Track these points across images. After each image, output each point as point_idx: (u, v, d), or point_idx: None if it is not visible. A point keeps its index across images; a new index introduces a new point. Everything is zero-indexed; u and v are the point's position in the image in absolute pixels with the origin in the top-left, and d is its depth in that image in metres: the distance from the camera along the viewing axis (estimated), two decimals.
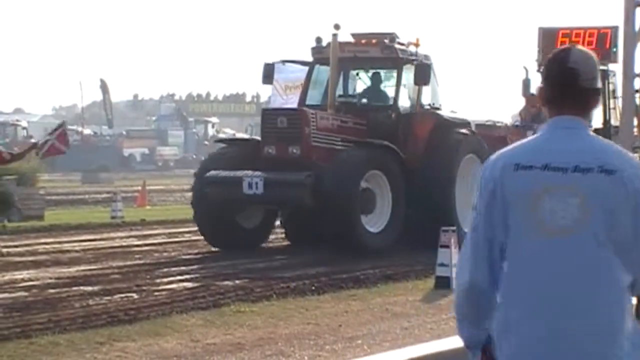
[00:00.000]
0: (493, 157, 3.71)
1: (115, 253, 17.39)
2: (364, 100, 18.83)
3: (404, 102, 18.68)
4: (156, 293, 12.90)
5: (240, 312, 11.60)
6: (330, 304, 12.47)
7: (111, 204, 26.00)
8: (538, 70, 22.93)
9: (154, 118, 78.62)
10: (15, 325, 10.63)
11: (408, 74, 18.31)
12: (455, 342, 6.73)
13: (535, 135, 3.74)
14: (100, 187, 41.48)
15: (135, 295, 12.66)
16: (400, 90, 18.49)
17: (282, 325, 11.02)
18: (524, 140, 3.73)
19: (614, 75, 21.39)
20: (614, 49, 21.70)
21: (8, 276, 14.37)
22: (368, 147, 17.40)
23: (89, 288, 13.21)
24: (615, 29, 22.05)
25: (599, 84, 3.74)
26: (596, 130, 23.67)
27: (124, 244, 19.00)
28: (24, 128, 59.69)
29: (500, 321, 3.62)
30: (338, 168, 16.58)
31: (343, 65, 18.43)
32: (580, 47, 3.74)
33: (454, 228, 14.26)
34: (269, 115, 18.28)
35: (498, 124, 24.08)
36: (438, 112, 18.81)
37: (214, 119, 71.95)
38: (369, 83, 19.05)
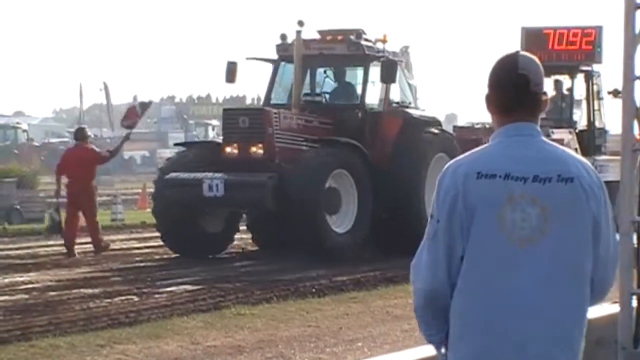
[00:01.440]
0: (451, 164, 3.68)
1: (116, 255, 17.40)
2: (330, 99, 18.35)
3: (372, 100, 18.25)
4: (156, 295, 12.91)
5: (240, 315, 11.60)
6: (331, 306, 12.47)
7: (112, 207, 25.99)
8: None
9: (154, 120, 78.59)
10: (16, 328, 10.63)
11: (376, 71, 17.85)
12: None
13: (490, 144, 3.71)
14: (100, 189, 41.10)
15: (135, 298, 12.67)
16: (367, 88, 18.00)
17: (282, 327, 11.02)
18: (480, 148, 3.71)
19: (599, 76, 21.24)
20: (598, 49, 21.39)
21: (8, 279, 14.39)
22: (333, 145, 16.98)
23: (90, 290, 13.22)
24: (599, 28, 21.73)
25: (544, 88, 3.74)
26: (581, 132, 23.45)
27: (124, 246, 19.01)
28: (24, 131, 59.61)
29: (457, 327, 3.61)
30: (302, 167, 16.15)
31: (309, 62, 18.03)
32: (524, 52, 3.73)
33: None
34: (231, 115, 17.72)
35: (477, 126, 24.00)
36: (407, 110, 18.33)
37: (215, 122, 71.84)
38: (335, 81, 18.63)
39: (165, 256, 17.32)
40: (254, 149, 16.80)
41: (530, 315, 3.53)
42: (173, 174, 16.82)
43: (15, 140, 56.75)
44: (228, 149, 16.97)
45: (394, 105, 18.26)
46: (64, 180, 17.82)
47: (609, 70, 21.76)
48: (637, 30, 4.88)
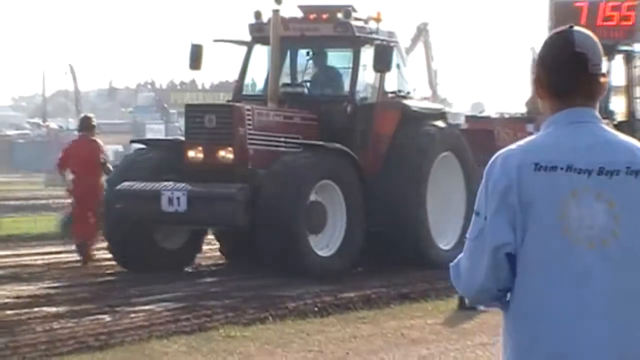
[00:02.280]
0: (500, 154, 3.73)
1: (84, 268, 17.36)
2: (314, 89, 18.10)
3: (363, 91, 17.96)
4: (132, 315, 12.92)
5: (230, 337, 11.61)
6: (336, 327, 12.47)
7: None
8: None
9: (129, 110, 78.75)
10: None
11: (368, 56, 17.53)
12: None
13: (543, 132, 3.75)
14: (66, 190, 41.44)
15: (107, 318, 12.69)
16: (358, 76, 17.70)
17: (279, 353, 11.02)
18: (534, 137, 3.76)
19: None
20: None
21: None
22: (318, 151, 16.64)
23: (53, 309, 13.23)
24: None
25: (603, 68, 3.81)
26: (619, 124, 23.54)
27: (94, 257, 18.98)
28: None
29: (520, 337, 3.65)
30: (280, 177, 15.93)
31: (288, 45, 17.82)
32: (579, 28, 3.77)
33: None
34: (194, 112, 17.46)
35: (494, 116, 23.97)
36: (405, 101, 18.04)
37: None
38: (319, 68, 18.30)
39: None
40: (222, 153, 16.47)
41: (597, 343, 3.55)
42: (126, 184, 16.47)
43: None
44: (192, 153, 16.63)
45: (390, 95, 18.00)
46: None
47: None
48: None
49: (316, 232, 16.33)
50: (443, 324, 12.95)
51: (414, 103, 18.37)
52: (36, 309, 13.23)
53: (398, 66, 18.20)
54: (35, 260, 18.09)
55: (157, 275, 16.43)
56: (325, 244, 16.46)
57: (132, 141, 21.12)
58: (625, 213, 3.60)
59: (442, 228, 17.73)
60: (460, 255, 3.76)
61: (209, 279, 16.17)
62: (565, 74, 3.72)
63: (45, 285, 15.45)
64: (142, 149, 17.93)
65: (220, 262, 18.07)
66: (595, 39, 3.77)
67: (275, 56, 17.46)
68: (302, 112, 17.54)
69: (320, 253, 16.31)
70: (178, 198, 15.95)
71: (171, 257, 16.95)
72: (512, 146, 3.72)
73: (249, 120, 16.67)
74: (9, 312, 13.10)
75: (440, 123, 18.31)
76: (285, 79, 18.23)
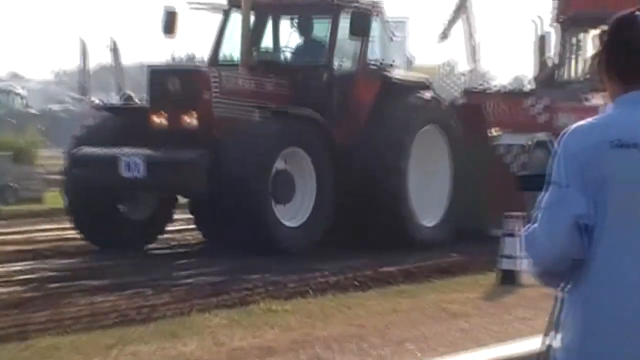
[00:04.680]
0: (574, 129, 3.70)
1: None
2: (291, 57, 17.45)
3: (343, 60, 17.17)
4: (174, 288, 12.96)
5: (271, 311, 11.63)
6: (376, 301, 12.50)
7: None
8: (553, 23, 22.51)
9: None
10: (12, 325, 10.73)
11: (347, 24, 16.61)
12: (522, 346, 6.75)
13: (613, 112, 3.72)
14: None
15: (149, 291, 12.74)
16: (335, 43, 16.89)
17: (319, 326, 11.02)
18: (603, 116, 3.73)
19: None
20: None
21: (3, 269, 14.51)
22: (285, 117, 15.88)
23: (96, 282, 13.30)
24: None
25: None
26: None
27: None
28: (19, 96, 60.01)
29: (596, 303, 3.64)
30: (244, 144, 15.14)
31: (266, 12, 17.26)
32: None
33: (521, 213, 13.13)
34: (158, 75, 16.42)
35: (493, 88, 23.59)
36: (387, 71, 17.22)
37: None
38: (298, 36, 17.56)
39: (183, 242, 17.39)
40: (186, 118, 15.76)
41: None
42: (85, 150, 15.89)
43: (10, 108, 57.19)
44: (155, 118, 15.93)
45: (372, 65, 17.26)
46: None
47: None
48: None
49: (283, 202, 15.68)
50: (483, 297, 12.94)
51: (396, 73, 17.54)
52: (79, 282, 13.29)
53: (391, 38, 17.71)
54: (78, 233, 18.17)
55: (199, 249, 16.53)
56: (293, 215, 15.83)
57: (94, 107, 20.30)
58: None
59: (426, 205, 16.99)
60: (533, 225, 3.71)
61: (250, 253, 16.16)
62: (633, 55, 3.70)
63: (89, 259, 15.54)
64: (106, 115, 17.20)
65: None
66: None
67: (245, 20, 16.84)
68: (275, 79, 16.80)
69: (287, 224, 15.61)
70: (136, 163, 15.30)
71: (137, 227, 16.38)
72: (584, 122, 3.70)
73: (215, 85, 15.95)
74: (52, 285, 13.17)
75: (425, 95, 17.48)
76: (270, 45, 17.72)
